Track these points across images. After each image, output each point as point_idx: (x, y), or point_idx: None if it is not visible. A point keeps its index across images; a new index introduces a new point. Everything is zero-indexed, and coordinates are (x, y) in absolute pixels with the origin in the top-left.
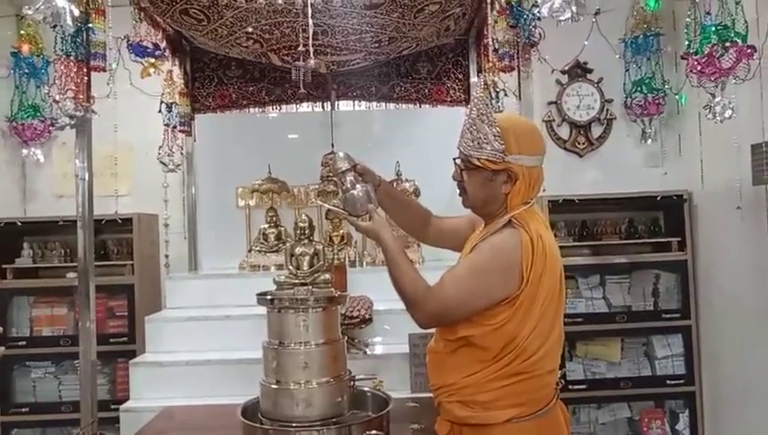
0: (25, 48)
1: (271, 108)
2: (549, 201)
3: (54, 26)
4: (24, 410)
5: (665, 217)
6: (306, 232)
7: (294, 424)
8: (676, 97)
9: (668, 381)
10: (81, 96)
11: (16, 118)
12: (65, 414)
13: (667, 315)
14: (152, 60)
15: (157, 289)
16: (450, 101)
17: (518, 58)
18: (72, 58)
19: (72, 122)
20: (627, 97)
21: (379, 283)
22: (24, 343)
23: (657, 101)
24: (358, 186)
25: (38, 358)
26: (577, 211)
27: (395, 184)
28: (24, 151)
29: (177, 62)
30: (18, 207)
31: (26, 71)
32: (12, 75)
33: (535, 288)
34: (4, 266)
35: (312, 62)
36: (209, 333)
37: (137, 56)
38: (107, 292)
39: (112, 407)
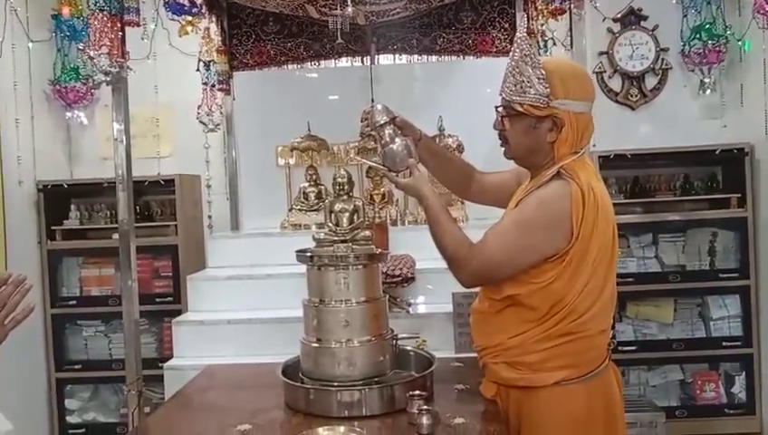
0: (65, 10)
1: (309, 64)
2: (599, 157)
3: None
4: (76, 367)
5: (723, 172)
6: (345, 188)
7: (336, 383)
8: (739, 43)
9: (724, 343)
10: (116, 52)
11: (59, 81)
12: (116, 371)
13: (725, 275)
14: (189, 17)
15: (200, 249)
16: (495, 52)
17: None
18: (105, 13)
19: (108, 79)
20: (684, 45)
21: (421, 241)
22: (74, 302)
23: (717, 49)
24: (397, 139)
25: (88, 317)
26: (629, 167)
27: (438, 139)
28: (68, 114)
29: (214, 19)
30: (65, 169)
31: (67, 33)
32: (53, 38)
33: (586, 243)
34: (53, 228)
35: (349, 9)
36: (251, 291)
37: (174, 14)
38: (152, 252)
39: (160, 365)
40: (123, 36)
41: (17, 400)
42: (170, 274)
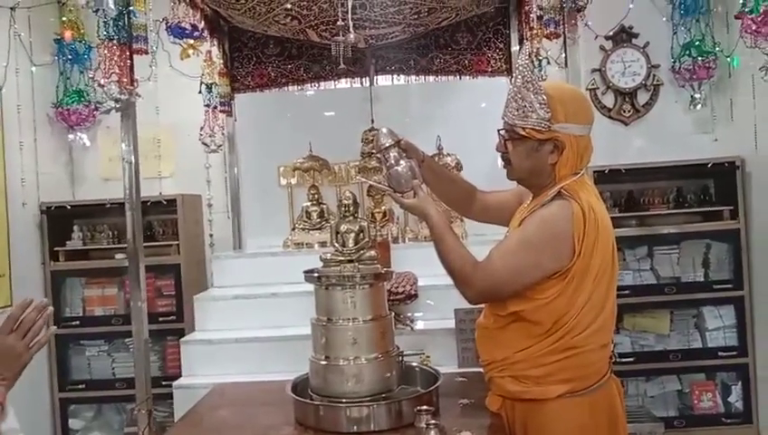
0: (68, 34)
1: (309, 85)
2: (594, 172)
3: (97, 11)
4: (80, 386)
5: (715, 186)
6: (351, 209)
7: (345, 400)
8: (728, 60)
9: (720, 353)
10: (125, 79)
11: (62, 104)
12: (119, 390)
13: (719, 286)
14: (191, 41)
15: (202, 268)
16: (491, 72)
17: (563, 24)
18: (114, 42)
19: (118, 106)
20: (675, 61)
21: (422, 258)
22: (77, 322)
23: (707, 65)
24: (402, 162)
25: (91, 337)
26: (623, 181)
27: (436, 159)
28: (71, 136)
29: (215, 43)
30: (67, 191)
31: (69, 57)
32: (56, 62)
33: (587, 261)
34: (56, 249)
35: (351, 36)
36: (256, 310)
37: (175, 38)
38: (154, 272)
39: (163, 383)
40: (132, 64)
41: (21, 420)
42: (173, 293)
